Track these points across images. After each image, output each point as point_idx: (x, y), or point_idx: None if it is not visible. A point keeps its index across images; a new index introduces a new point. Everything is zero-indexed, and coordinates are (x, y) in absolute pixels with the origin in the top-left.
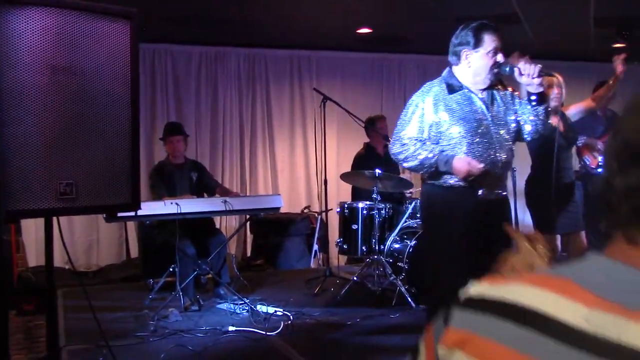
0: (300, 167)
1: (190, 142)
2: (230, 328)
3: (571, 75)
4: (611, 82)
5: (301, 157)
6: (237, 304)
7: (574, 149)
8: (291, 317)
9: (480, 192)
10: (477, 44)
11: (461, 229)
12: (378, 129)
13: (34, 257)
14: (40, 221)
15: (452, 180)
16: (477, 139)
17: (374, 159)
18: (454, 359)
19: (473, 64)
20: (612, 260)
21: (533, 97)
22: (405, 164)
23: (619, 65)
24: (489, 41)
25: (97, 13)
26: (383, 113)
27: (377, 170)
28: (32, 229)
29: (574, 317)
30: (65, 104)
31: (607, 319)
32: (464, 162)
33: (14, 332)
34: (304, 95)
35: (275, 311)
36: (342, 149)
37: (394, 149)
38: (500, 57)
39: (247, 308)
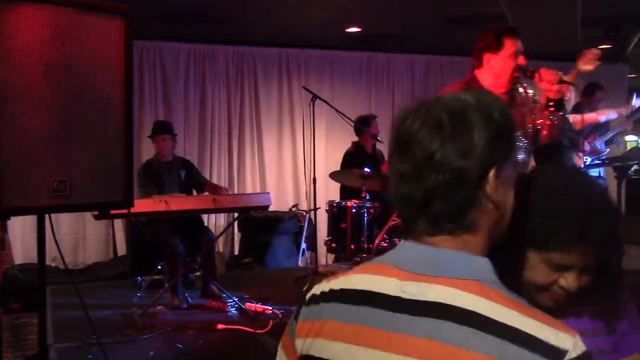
0: (289, 165)
1: (178, 139)
2: (219, 326)
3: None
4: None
5: (289, 155)
6: (225, 302)
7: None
8: (280, 315)
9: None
10: (499, 47)
11: None
12: (369, 127)
13: (20, 254)
14: (27, 219)
15: None
16: None
17: (363, 158)
18: (312, 345)
19: (495, 67)
20: (415, 243)
21: (551, 104)
22: None
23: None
24: (510, 44)
25: (91, 10)
26: (372, 111)
27: (366, 169)
28: (18, 227)
29: (394, 290)
30: (58, 100)
31: (415, 286)
32: None
33: None
34: (292, 94)
35: (264, 309)
36: (330, 148)
37: None
38: (521, 60)
39: (235, 306)
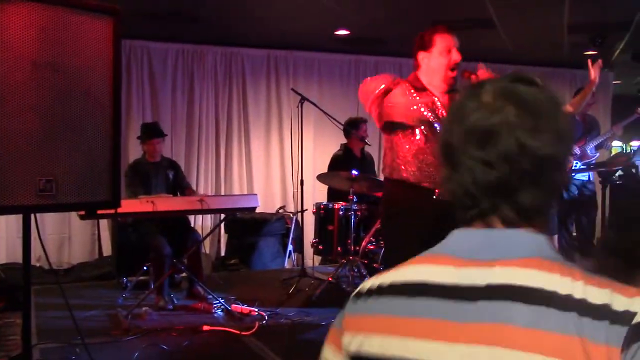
0: (276, 167)
1: (165, 140)
2: (205, 327)
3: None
4: (586, 88)
5: (277, 157)
6: (211, 304)
7: None
8: (266, 317)
9: (437, 192)
10: (430, 45)
11: (418, 227)
12: (359, 130)
13: (3, 254)
14: (10, 218)
15: (405, 174)
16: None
17: (351, 160)
18: (368, 343)
19: (430, 65)
20: (470, 229)
21: None
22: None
23: (593, 71)
24: (440, 41)
25: (80, 9)
26: (359, 114)
27: (354, 172)
28: (2, 226)
29: (450, 278)
30: (46, 100)
31: (474, 272)
32: None
33: None
34: (280, 95)
35: (250, 311)
36: (318, 150)
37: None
38: (455, 56)
39: (221, 307)
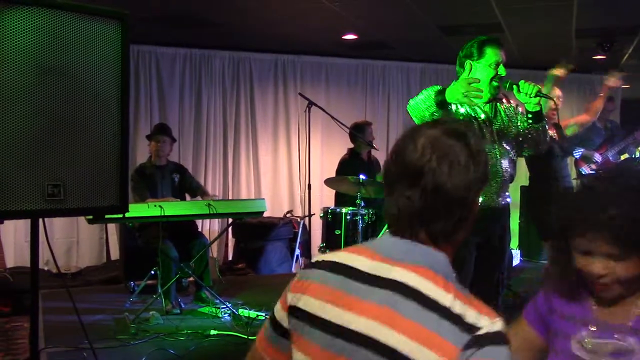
0: (283, 171)
1: (173, 145)
2: (212, 332)
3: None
4: (602, 94)
5: (284, 161)
6: (218, 308)
7: (569, 159)
8: None
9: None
10: (480, 55)
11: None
12: (365, 134)
13: (11, 258)
14: (19, 222)
15: None
16: None
17: (358, 165)
18: (301, 301)
19: (475, 75)
20: (394, 237)
21: (530, 115)
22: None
23: (614, 81)
24: (491, 54)
25: (88, 14)
26: (367, 119)
27: (361, 176)
28: (10, 230)
29: (364, 266)
30: (54, 104)
31: (382, 266)
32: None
33: None
34: (288, 100)
35: (257, 315)
36: (325, 154)
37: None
38: (502, 70)
39: (228, 312)
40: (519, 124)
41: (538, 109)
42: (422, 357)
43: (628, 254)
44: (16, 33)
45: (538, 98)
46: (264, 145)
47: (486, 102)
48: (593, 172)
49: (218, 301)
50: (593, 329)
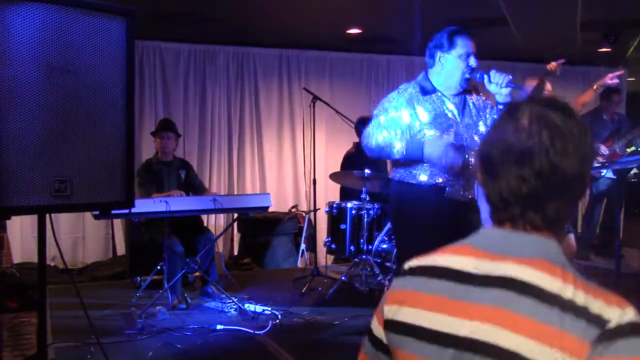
0: (288, 166)
1: (179, 140)
2: (219, 326)
3: (556, 78)
4: (595, 87)
5: (289, 156)
6: (225, 303)
7: None
8: (279, 316)
9: (447, 189)
10: (451, 46)
11: (429, 225)
12: None
13: (18, 253)
14: (25, 218)
15: (422, 177)
16: None
17: (363, 159)
18: (398, 312)
19: (446, 66)
20: (496, 228)
21: (500, 107)
22: (367, 145)
23: (611, 78)
24: (462, 45)
25: (94, 10)
26: (371, 113)
27: (366, 171)
28: (16, 226)
29: (467, 266)
30: (60, 101)
31: (488, 264)
32: (436, 144)
33: None
34: (292, 95)
35: (263, 310)
36: (330, 149)
37: (364, 133)
38: (473, 62)
39: (235, 307)
40: (487, 116)
41: (509, 100)
42: (544, 357)
43: None
44: (22, 30)
45: (509, 89)
46: (268, 140)
47: (455, 95)
48: (599, 164)
49: (224, 296)
50: None
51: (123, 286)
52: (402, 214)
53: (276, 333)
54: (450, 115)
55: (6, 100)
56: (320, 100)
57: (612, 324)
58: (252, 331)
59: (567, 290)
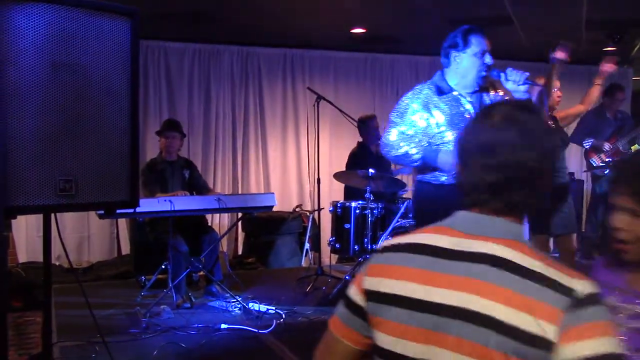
0: (293, 165)
1: (183, 140)
2: (223, 326)
3: (561, 77)
4: (598, 82)
5: (293, 155)
6: (229, 302)
7: (567, 151)
8: (283, 315)
9: None
10: (465, 45)
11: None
12: (370, 128)
13: (23, 253)
14: (30, 217)
15: (443, 178)
16: None
17: (367, 158)
18: (379, 282)
19: (461, 65)
20: (468, 211)
21: None
22: (386, 154)
23: (608, 66)
24: (476, 43)
25: (99, 10)
26: (375, 113)
27: (370, 170)
28: (22, 225)
29: (445, 243)
30: (65, 100)
31: (463, 241)
32: (449, 155)
33: None
34: (296, 94)
35: (268, 309)
36: (334, 148)
37: (383, 142)
38: (488, 59)
39: (239, 306)
40: None
41: (526, 97)
42: (520, 322)
43: None
44: (28, 30)
45: (526, 86)
46: (273, 140)
47: (472, 93)
48: (603, 163)
49: (228, 295)
50: (619, 292)
51: (128, 285)
52: (423, 213)
53: (280, 332)
54: (466, 114)
55: (12, 100)
56: (325, 99)
57: (579, 294)
58: (256, 330)
59: (537, 265)
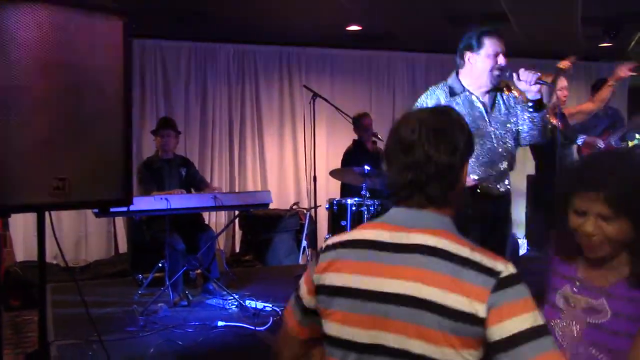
0: (289, 163)
1: (179, 138)
2: (220, 323)
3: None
4: (611, 83)
5: (290, 153)
6: (226, 300)
7: (574, 147)
8: (280, 312)
9: (480, 185)
10: (479, 46)
11: (459, 221)
12: (363, 126)
13: (21, 252)
14: (28, 216)
15: None
16: (476, 141)
17: (362, 155)
18: (327, 277)
19: (475, 67)
20: (399, 208)
21: (530, 104)
22: None
23: (624, 71)
24: (490, 44)
25: (90, 10)
26: (372, 110)
27: (366, 167)
28: (19, 224)
29: (383, 237)
30: (58, 99)
31: (400, 234)
32: None
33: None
34: (293, 92)
35: (264, 306)
36: (331, 146)
37: None
38: (501, 60)
39: (236, 303)
40: (518, 113)
41: (538, 97)
42: (453, 302)
43: (618, 217)
44: (18, 30)
45: (538, 86)
46: (269, 138)
47: (485, 93)
48: None
49: (225, 293)
50: (576, 285)
51: (125, 284)
52: None
53: (277, 329)
54: (477, 113)
55: (4, 99)
56: (320, 97)
57: (504, 274)
58: (253, 328)
59: (465, 251)
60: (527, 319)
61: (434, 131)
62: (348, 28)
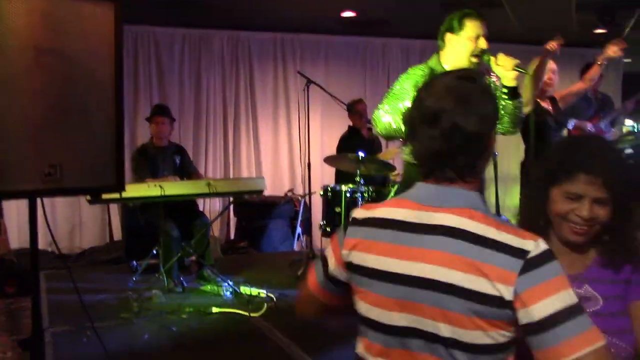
0: (284, 150)
1: (173, 125)
2: (214, 309)
3: (555, 58)
4: (600, 62)
5: (284, 140)
6: (220, 286)
7: (565, 131)
8: (274, 298)
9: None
10: (460, 28)
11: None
12: (357, 112)
13: (16, 239)
14: (23, 203)
15: None
16: None
17: (357, 141)
18: (356, 256)
19: (455, 49)
20: (425, 183)
21: (505, 90)
22: (375, 129)
23: (614, 50)
24: (471, 27)
25: None
26: (367, 96)
27: (361, 154)
28: (14, 212)
29: (408, 217)
30: (49, 86)
31: (425, 214)
32: None
33: None
34: (287, 79)
35: (259, 293)
36: (325, 132)
37: (372, 118)
38: (482, 44)
39: (230, 290)
40: (497, 96)
41: (514, 84)
42: (478, 286)
43: (609, 201)
44: (9, 15)
45: (515, 72)
46: (264, 124)
47: None
48: None
49: (220, 279)
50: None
51: (120, 271)
52: None
53: (271, 315)
54: None
55: None
56: (315, 83)
57: (532, 254)
58: (248, 314)
59: (491, 231)
60: (560, 298)
61: (461, 99)
62: (343, 14)
